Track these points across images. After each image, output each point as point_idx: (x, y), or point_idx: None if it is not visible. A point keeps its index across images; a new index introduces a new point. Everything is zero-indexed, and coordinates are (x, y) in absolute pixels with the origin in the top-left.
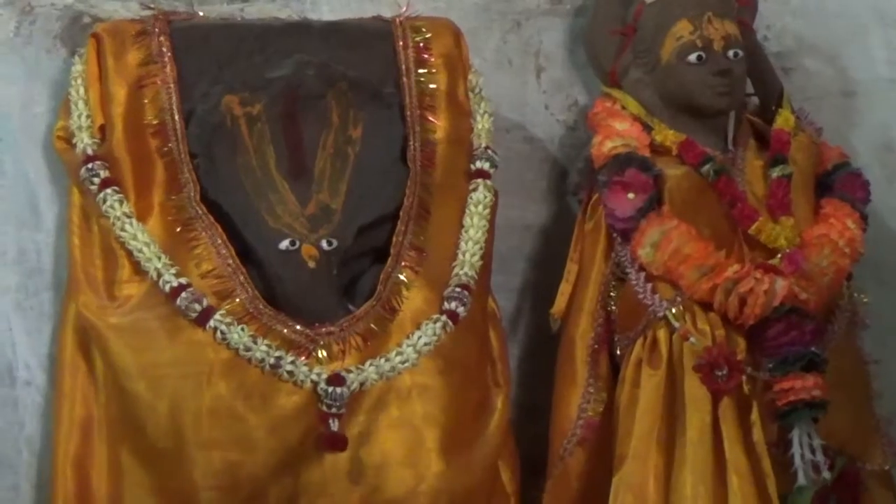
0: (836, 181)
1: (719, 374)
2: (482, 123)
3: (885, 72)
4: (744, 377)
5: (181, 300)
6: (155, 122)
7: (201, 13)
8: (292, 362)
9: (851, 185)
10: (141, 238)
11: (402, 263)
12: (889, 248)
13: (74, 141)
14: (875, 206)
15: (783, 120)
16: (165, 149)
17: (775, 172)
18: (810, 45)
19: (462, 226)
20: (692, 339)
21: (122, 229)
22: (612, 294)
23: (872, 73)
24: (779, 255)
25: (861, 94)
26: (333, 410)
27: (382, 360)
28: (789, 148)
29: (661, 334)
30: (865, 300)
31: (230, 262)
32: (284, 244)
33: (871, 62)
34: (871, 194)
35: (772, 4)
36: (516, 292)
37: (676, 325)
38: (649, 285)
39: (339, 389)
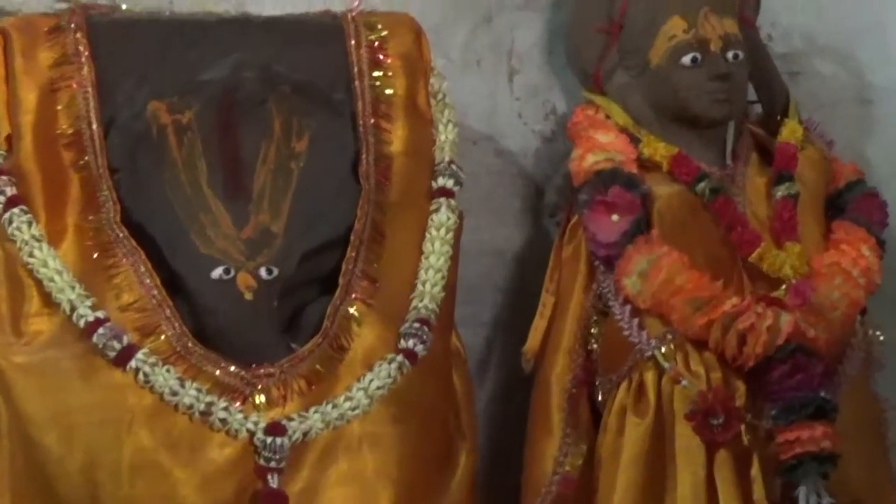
0: (850, 202)
1: (715, 422)
2: (446, 134)
3: None
4: (743, 426)
5: (98, 337)
6: (70, 131)
7: (124, 6)
8: (225, 409)
9: (867, 206)
10: (52, 265)
11: (353, 295)
12: None
13: None
14: (894, 230)
15: (789, 131)
16: (81, 162)
17: (780, 192)
18: (821, 46)
19: (422, 252)
20: (684, 383)
21: (31, 255)
22: (592, 330)
23: (891, 76)
24: (784, 287)
25: (879, 102)
26: (273, 464)
27: (329, 406)
28: (796, 163)
29: (649, 377)
30: (882, 338)
31: (155, 293)
32: (217, 273)
33: (890, 65)
34: (890, 217)
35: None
36: (485, 327)
37: (666, 365)
38: (636, 320)
39: (279, 440)
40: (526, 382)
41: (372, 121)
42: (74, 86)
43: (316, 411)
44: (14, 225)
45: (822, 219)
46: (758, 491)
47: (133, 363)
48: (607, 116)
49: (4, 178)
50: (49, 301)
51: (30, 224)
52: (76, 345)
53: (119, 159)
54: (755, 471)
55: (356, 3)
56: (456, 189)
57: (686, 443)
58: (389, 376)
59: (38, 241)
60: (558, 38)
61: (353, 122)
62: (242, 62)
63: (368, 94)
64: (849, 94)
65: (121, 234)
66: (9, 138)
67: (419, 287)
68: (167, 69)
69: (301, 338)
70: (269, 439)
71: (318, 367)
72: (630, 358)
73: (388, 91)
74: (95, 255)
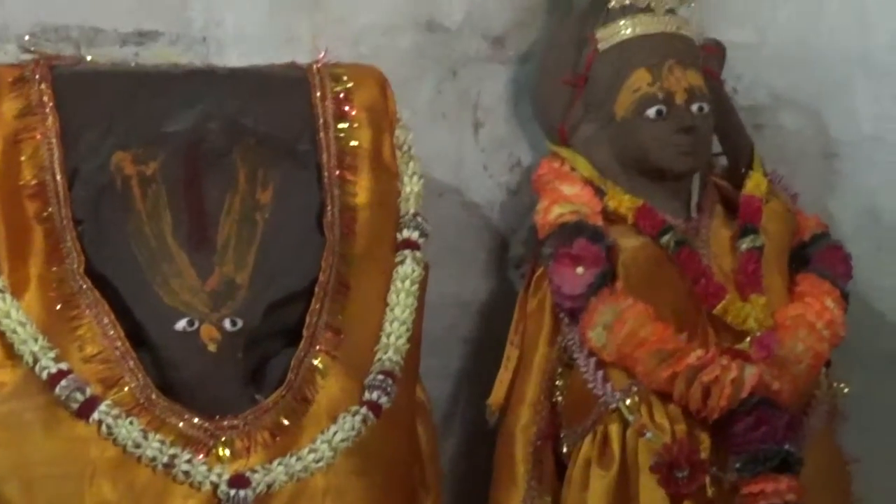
0: (814, 254)
1: (680, 474)
2: (411, 186)
3: (870, 130)
4: (707, 478)
5: (61, 389)
6: (33, 182)
7: (89, 58)
8: (189, 461)
9: (831, 258)
10: (15, 316)
11: (317, 347)
12: (873, 331)
13: None
14: (859, 282)
15: (754, 184)
16: (45, 213)
17: (745, 244)
18: (786, 100)
19: (387, 303)
20: (649, 435)
21: None
22: (557, 383)
23: (857, 131)
24: (748, 339)
25: (843, 156)
26: None
27: (293, 458)
28: (761, 216)
29: (614, 429)
30: (846, 390)
31: (118, 344)
32: (181, 324)
33: (855, 119)
34: (855, 269)
35: (742, 52)
36: (450, 380)
37: (631, 418)
38: (600, 373)
39: (242, 492)
40: (491, 435)
41: (337, 172)
42: (39, 136)
43: (280, 463)
44: None
45: (787, 271)
46: None
47: (96, 415)
48: (572, 169)
49: None
50: (12, 353)
51: None
52: (39, 396)
53: (83, 210)
54: None
55: (321, 55)
56: (421, 241)
57: (651, 495)
58: (353, 429)
59: (1, 292)
60: (524, 91)
61: (318, 173)
62: (207, 114)
63: (334, 146)
64: (813, 148)
65: (84, 286)
66: None
67: (384, 339)
68: (132, 120)
69: (265, 389)
70: (232, 491)
71: (282, 419)
72: (595, 410)
73: (354, 143)
74: (59, 307)
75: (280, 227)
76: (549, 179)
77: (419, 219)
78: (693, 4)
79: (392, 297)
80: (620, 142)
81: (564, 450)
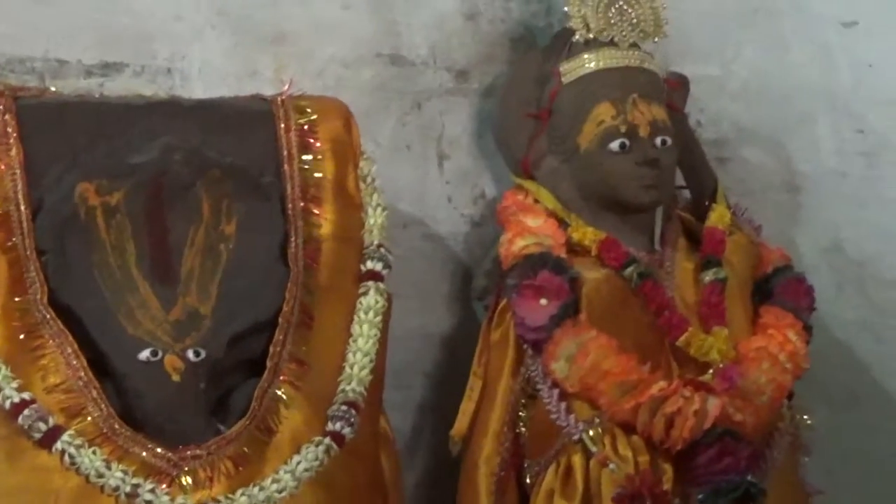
0: (777, 287)
1: None
2: (375, 218)
3: (833, 164)
4: None
5: (24, 418)
6: None
7: (54, 88)
8: (152, 490)
9: (794, 291)
10: None
11: (281, 377)
12: (837, 363)
13: None
14: (821, 315)
15: (717, 217)
16: (9, 244)
17: (708, 276)
18: (750, 133)
19: (350, 335)
20: (612, 466)
21: None
22: (521, 414)
23: (819, 165)
24: (711, 371)
25: (806, 189)
26: None
27: (256, 488)
28: (724, 248)
29: (577, 460)
30: (809, 422)
31: (82, 374)
32: (145, 354)
33: (817, 153)
34: (818, 302)
35: (706, 86)
36: (413, 410)
37: (594, 449)
38: (563, 404)
39: None
40: (454, 465)
41: (301, 204)
42: (3, 167)
43: (243, 494)
44: None
45: (750, 303)
46: None
47: (59, 445)
48: (536, 201)
49: None
50: None
51: None
52: (1, 426)
53: (47, 241)
54: None
55: (286, 87)
56: (385, 272)
57: None
58: (317, 459)
59: None
60: (488, 124)
61: (282, 205)
62: (172, 145)
63: (298, 178)
64: (777, 180)
65: (48, 316)
66: None
67: (347, 370)
68: (96, 151)
69: (229, 420)
70: None
71: (245, 449)
72: (558, 441)
73: (318, 174)
74: (22, 336)
75: (244, 259)
76: (513, 212)
77: (383, 250)
78: (657, 39)
79: (355, 329)
80: (584, 174)
81: (528, 480)
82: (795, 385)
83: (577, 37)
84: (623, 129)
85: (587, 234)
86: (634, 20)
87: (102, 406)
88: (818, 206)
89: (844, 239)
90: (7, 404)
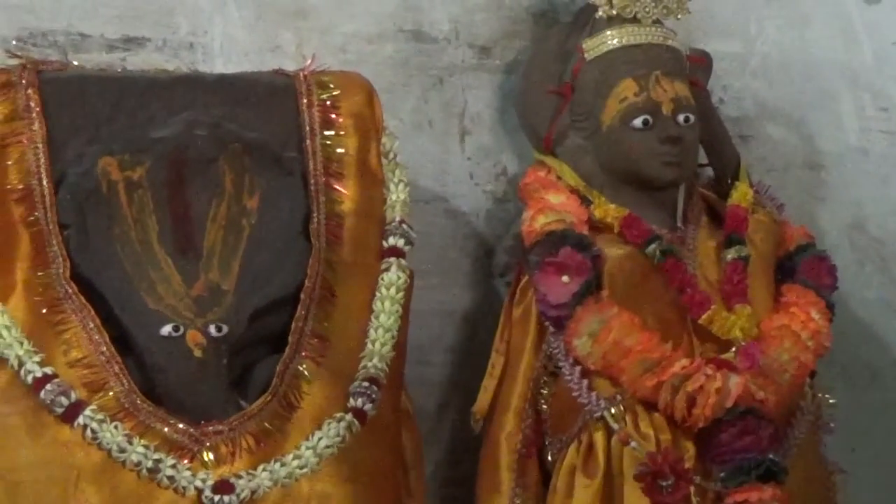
0: (800, 265)
1: (664, 484)
2: (397, 194)
3: (855, 142)
4: (692, 488)
5: (46, 393)
6: (20, 186)
7: (76, 63)
8: (173, 466)
9: (817, 269)
10: (0, 321)
11: (303, 353)
12: (858, 342)
13: None
14: (843, 293)
15: (740, 195)
16: (31, 218)
17: (730, 254)
18: (772, 111)
19: (372, 311)
20: (633, 444)
21: None
22: (542, 391)
23: (842, 142)
24: (733, 349)
25: (829, 167)
26: None
27: (277, 464)
28: (746, 226)
29: (599, 438)
30: (831, 401)
31: (104, 349)
32: (167, 329)
33: (840, 131)
34: (839, 280)
35: (729, 64)
36: (435, 387)
37: (616, 427)
38: (585, 381)
39: (227, 498)
40: (475, 442)
41: (323, 179)
42: (25, 141)
43: (264, 469)
44: None
45: (772, 281)
46: None
47: (81, 420)
48: (558, 178)
49: None
50: None
51: None
52: (24, 401)
53: (69, 215)
54: None
55: (308, 63)
56: (407, 249)
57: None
58: (338, 435)
59: None
60: (510, 100)
61: (304, 180)
62: (194, 120)
63: (320, 153)
64: (799, 158)
65: (70, 290)
66: None
67: (369, 346)
68: (119, 126)
69: (250, 395)
70: (217, 497)
71: (266, 424)
72: (580, 419)
73: (340, 150)
74: (44, 311)
75: (266, 234)
76: (535, 188)
77: (405, 226)
78: (680, 16)
79: (377, 305)
80: (606, 151)
81: (549, 458)
82: (817, 363)
83: (600, 13)
84: (646, 105)
85: (609, 211)
86: None
87: (124, 381)
88: (840, 184)
89: (867, 217)
90: (29, 379)
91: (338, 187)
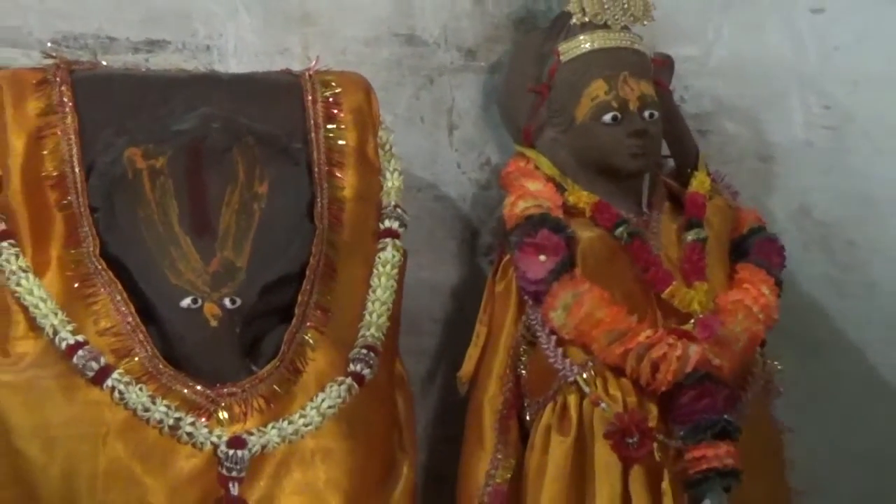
0: (752, 246)
1: (630, 441)
2: (392, 181)
3: (802, 135)
4: (655, 445)
5: (78, 358)
6: (55, 173)
7: (105, 63)
8: (192, 423)
9: (767, 250)
10: (37, 293)
11: (308, 324)
12: (804, 315)
13: None
14: (790, 272)
15: (699, 183)
16: (65, 201)
17: (690, 236)
18: (728, 108)
19: (370, 286)
20: (603, 405)
21: (18, 284)
22: (522, 358)
23: (790, 136)
24: (692, 321)
25: (778, 158)
26: (234, 474)
27: (285, 422)
28: (704, 211)
29: (572, 400)
30: (780, 368)
31: (130, 319)
32: (186, 302)
33: (788, 125)
34: (787, 260)
35: (689, 65)
36: (425, 355)
37: (587, 390)
38: (560, 349)
39: (239, 452)
40: (462, 404)
41: (326, 168)
42: (59, 133)
43: (273, 427)
44: (3, 257)
45: (727, 261)
46: (668, 503)
47: (109, 382)
48: (536, 167)
49: None
50: (34, 326)
51: (17, 256)
52: (58, 365)
53: (98, 199)
54: (666, 485)
55: (313, 63)
56: (401, 230)
57: (604, 459)
58: (339, 396)
59: (25, 271)
60: (493, 98)
61: (309, 169)
62: (210, 114)
63: (323, 145)
64: (751, 151)
65: (99, 267)
66: None
67: (367, 317)
68: (143, 119)
69: (261, 361)
70: (230, 451)
71: (275, 387)
72: (555, 383)
73: (341, 142)
74: (76, 285)
75: (275, 217)
76: (515, 177)
77: (399, 210)
78: (646, 23)
79: (374, 280)
80: (579, 144)
81: (528, 418)
82: (767, 334)
83: (574, 20)
84: (615, 103)
85: (582, 198)
86: (625, 5)
87: (148, 348)
88: (788, 174)
89: (811, 203)
90: (63, 345)
91: (339, 175)
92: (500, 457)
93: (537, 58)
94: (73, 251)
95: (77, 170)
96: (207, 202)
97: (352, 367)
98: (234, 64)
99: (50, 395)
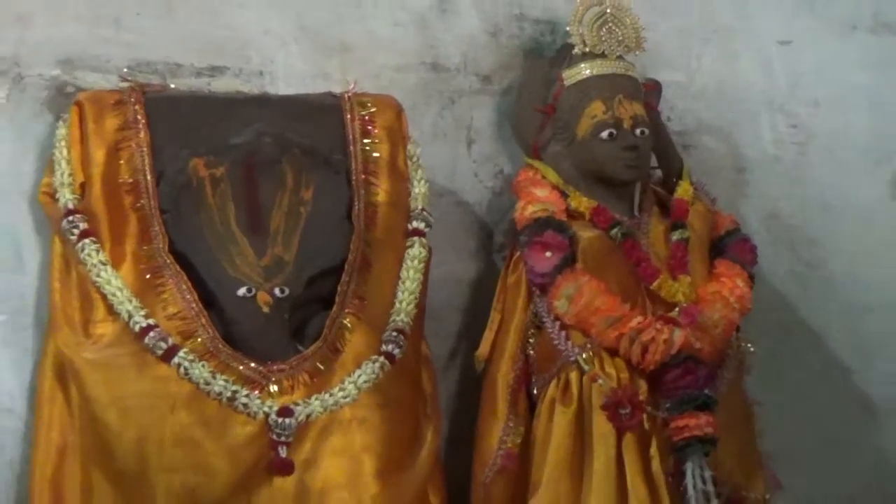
0: (728, 245)
1: (623, 412)
2: (419, 188)
3: (771, 150)
4: (645, 415)
5: (149, 339)
6: (130, 180)
7: (173, 85)
8: (247, 396)
9: (741, 248)
10: (114, 283)
11: (346, 310)
12: (772, 304)
13: (57, 196)
14: (761, 267)
15: (683, 190)
16: (138, 204)
17: (675, 236)
18: (708, 126)
19: (399, 278)
20: (600, 381)
21: (98, 275)
22: (530, 340)
23: (761, 151)
24: (677, 309)
25: (750, 170)
26: (283, 439)
27: (327, 395)
28: (688, 215)
29: (573, 376)
30: (752, 349)
31: (193, 306)
32: (242, 291)
33: (759, 142)
34: (759, 257)
35: (675, 89)
36: (447, 338)
37: (586, 368)
38: (563, 333)
39: (287, 420)
40: (478, 380)
41: (363, 177)
42: (133, 146)
43: (316, 398)
44: (86, 252)
45: (707, 258)
46: (656, 465)
47: (175, 359)
48: (543, 177)
49: (78, 216)
50: (112, 311)
51: (97, 251)
52: (132, 345)
53: (167, 203)
54: (654, 450)
55: (351, 87)
56: (426, 230)
57: (601, 428)
58: (373, 373)
59: (104, 264)
60: (506, 117)
61: (347, 177)
62: (262, 130)
63: (360, 157)
64: (728, 163)
65: (168, 260)
66: (82, 185)
67: (397, 304)
68: (205, 134)
69: (306, 342)
70: (280, 420)
71: (318, 364)
72: (558, 361)
73: (375, 154)
74: (148, 276)
75: (318, 218)
76: (525, 185)
77: (425, 213)
78: (637, 52)
79: (404, 273)
80: (580, 156)
81: (535, 391)
82: (741, 321)
83: (576, 50)
84: (611, 122)
85: (582, 203)
86: (620, 38)
87: (209, 330)
88: (759, 184)
89: (779, 209)
90: (136, 328)
91: (374, 182)
92: (511, 425)
93: (544, 83)
94: (145, 247)
95: (149, 177)
96: (260, 206)
97: (384, 347)
98: (284, 87)
99: (125, 370)
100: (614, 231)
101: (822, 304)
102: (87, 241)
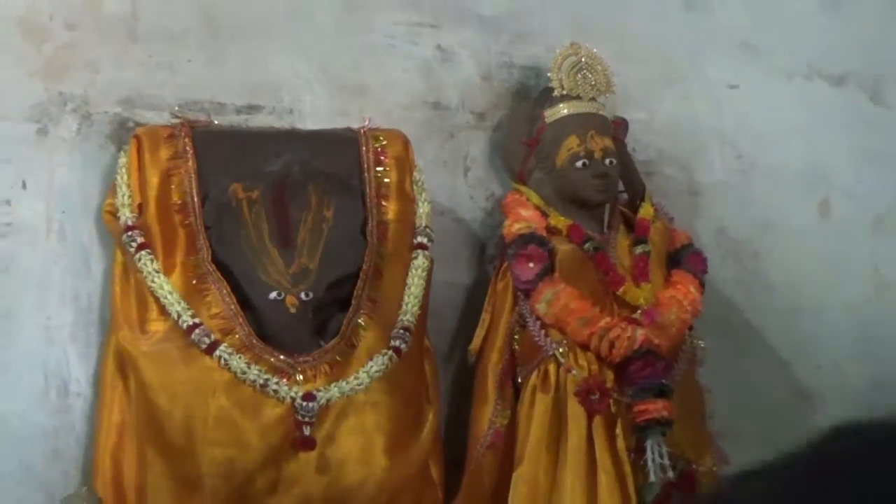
0: (683, 257)
1: (593, 398)
2: (423, 208)
3: (721, 176)
4: (611, 401)
5: (195, 335)
6: (179, 202)
7: (216, 121)
8: (276, 383)
9: (694, 260)
10: (166, 288)
11: (361, 311)
12: (720, 307)
13: (118, 215)
14: (711, 276)
15: (645, 211)
16: (186, 222)
17: (638, 250)
18: (667, 156)
19: (406, 284)
20: (574, 372)
21: (153, 281)
22: (515, 337)
23: (712, 177)
24: (639, 311)
25: (703, 193)
26: (307, 420)
27: (344, 382)
28: (649, 232)
29: (551, 368)
30: (703, 345)
31: (232, 307)
32: (273, 295)
33: (711, 169)
34: (709, 267)
35: (639, 125)
36: (446, 334)
37: (562, 361)
38: (543, 331)
39: (311, 404)
40: (471, 371)
41: (375, 199)
42: (182, 172)
43: (335, 386)
44: (142, 262)
45: (665, 268)
46: (620, 443)
47: (217, 352)
48: (528, 199)
49: (136, 231)
50: (164, 311)
51: (152, 261)
52: (180, 340)
53: (211, 220)
54: (619, 430)
55: (366, 123)
56: (429, 244)
57: (574, 411)
58: (384, 364)
59: (157, 272)
60: (497, 149)
61: (362, 199)
62: (292, 159)
63: (373, 182)
64: (684, 188)
65: (211, 269)
66: (140, 206)
67: (404, 306)
68: (243, 163)
69: (327, 338)
70: (304, 403)
71: (337, 357)
72: (539, 355)
73: (386, 180)
74: (194, 282)
75: (338, 234)
76: (512, 206)
77: (428, 230)
78: (608, 95)
79: (410, 280)
80: (558, 182)
81: (519, 380)
82: (694, 321)
83: (555, 92)
84: (584, 153)
85: (560, 221)
86: (593, 82)
87: (246, 328)
88: (710, 205)
89: (727, 226)
90: (184, 326)
91: (385, 204)
92: (499, 408)
93: (529, 120)
94: (192, 258)
95: (195, 199)
96: (289, 223)
97: (393, 342)
98: (310, 123)
99: (174, 361)
100: (587, 245)
101: (762, 307)
102: (143, 252)
